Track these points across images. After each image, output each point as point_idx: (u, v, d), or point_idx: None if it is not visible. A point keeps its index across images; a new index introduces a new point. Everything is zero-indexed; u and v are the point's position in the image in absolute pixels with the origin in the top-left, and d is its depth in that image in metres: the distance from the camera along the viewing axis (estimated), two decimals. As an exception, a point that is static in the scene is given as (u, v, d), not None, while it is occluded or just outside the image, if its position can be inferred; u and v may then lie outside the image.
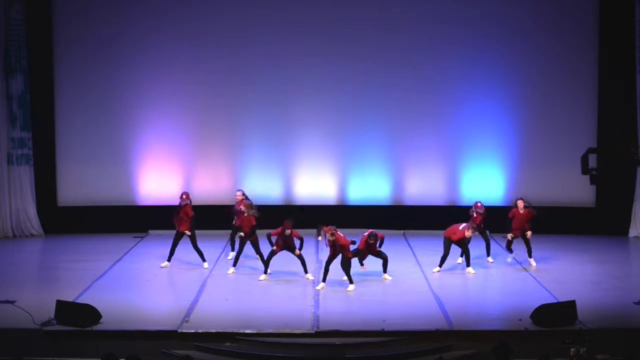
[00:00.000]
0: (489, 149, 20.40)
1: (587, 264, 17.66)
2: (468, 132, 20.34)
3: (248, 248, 16.64)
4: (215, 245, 18.39)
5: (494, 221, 17.65)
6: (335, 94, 20.26)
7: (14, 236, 19.93)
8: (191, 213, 16.85)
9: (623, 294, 15.02)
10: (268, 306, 14.50)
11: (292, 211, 18.45)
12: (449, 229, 16.54)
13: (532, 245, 16.99)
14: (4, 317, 13.48)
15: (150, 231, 20.18)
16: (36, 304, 13.94)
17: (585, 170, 15.32)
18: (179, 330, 12.98)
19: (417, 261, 17.48)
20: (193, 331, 12.98)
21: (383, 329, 13.15)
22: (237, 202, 17.09)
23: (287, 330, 13.08)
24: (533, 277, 16.34)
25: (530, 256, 17.02)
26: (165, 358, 12.40)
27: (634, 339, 12.69)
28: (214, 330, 13.01)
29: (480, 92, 20.24)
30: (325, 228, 15.31)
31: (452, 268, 16.96)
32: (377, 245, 15.64)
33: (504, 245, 17.49)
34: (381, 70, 20.18)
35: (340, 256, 15.39)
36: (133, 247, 19.00)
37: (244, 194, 17.28)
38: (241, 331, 12.97)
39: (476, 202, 17.29)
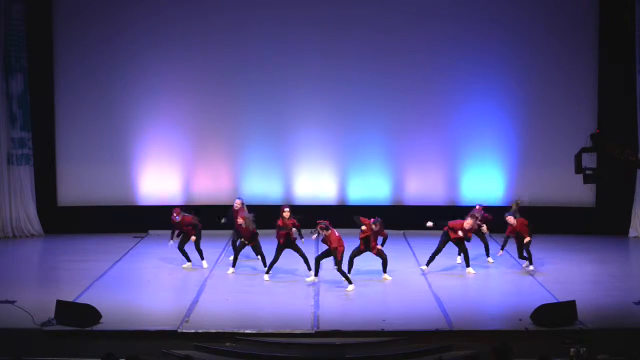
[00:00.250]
0: (488, 149, 20.41)
1: (587, 264, 17.66)
2: (468, 132, 20.36)
3: (248, 248, 16.68)
4: (215, 245, 18.39)
5: (494, 221, 17.61)
6: (336, 94, 20.28)
7: (14, 236, 19.93)
8: (191, 222, 16.73)
9: (623, 294, 15.02)
10: (268, 306, 14.53)
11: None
12: (453, 222, 16.41)
13: (532, 246, 16.76)
14: (4, 317, 13.47)
15: (150, 231, 20.18)
16: (36, 304, 13.94)
17: (578, 169, 15.31)
18: (179, 330, 12.98)
19: (417, 261, 17.48)
20: (193, 331, 12.98)
21: (383, 329, 13.14)
22: (236, 210, 17.00)
23: (287, 330, 13.07)
24: (533, 277, 16.34)
25: (521, 257, 16.76)
26: (165, 358, 12.39)
27: (634, 339, 12.68)
28: (214, 330, 13.00)
29: (480, 92, 20.26)
30: (320, 225, 15.27)
31: (452, 268, 16.97)
32: (381, 233, 15.67)
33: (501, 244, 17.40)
34: (381, 70, 20.20)
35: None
36: (133, 247, 19.01)
37: (243, 203, 17.21)
38: (241, 331, 12.97)
39: (477, 205, 17.37)
